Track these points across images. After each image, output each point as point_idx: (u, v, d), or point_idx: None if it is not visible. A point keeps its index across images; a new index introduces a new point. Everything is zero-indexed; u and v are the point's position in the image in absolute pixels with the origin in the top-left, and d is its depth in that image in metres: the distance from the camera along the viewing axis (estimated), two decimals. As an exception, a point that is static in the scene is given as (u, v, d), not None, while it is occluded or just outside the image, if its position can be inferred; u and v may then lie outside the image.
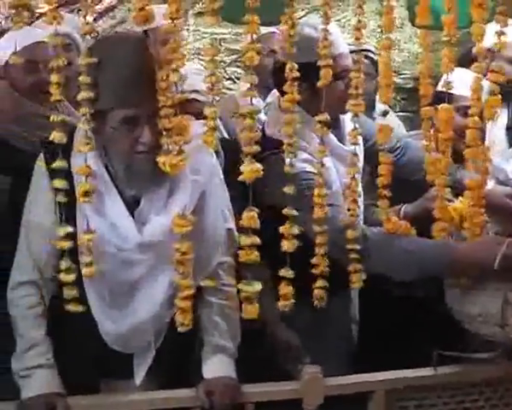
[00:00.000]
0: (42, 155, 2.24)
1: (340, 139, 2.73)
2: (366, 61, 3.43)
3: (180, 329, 2.16)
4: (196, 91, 2.66)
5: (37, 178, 2.25)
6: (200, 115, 2.25)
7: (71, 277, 2.15)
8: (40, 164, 2.24)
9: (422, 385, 2.51)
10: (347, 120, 2.70)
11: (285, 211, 2.25)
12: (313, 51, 2.34)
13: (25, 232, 2.26)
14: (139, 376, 2.31)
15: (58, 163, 2.13)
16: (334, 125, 2.65)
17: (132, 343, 2.29)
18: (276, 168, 2.31)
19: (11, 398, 2.22)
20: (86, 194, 2.12)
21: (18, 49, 2.72)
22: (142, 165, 2.16)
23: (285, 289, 2.30)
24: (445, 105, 2.51)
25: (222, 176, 2.38)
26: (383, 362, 2.49)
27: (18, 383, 2.21)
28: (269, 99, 2.74)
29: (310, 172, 2.48)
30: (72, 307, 2.17)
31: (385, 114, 3.81)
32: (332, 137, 2.64)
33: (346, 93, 2.48)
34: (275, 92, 2.68)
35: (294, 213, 2.25)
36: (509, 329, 2.40)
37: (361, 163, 2.69)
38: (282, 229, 2.24)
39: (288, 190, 2.23)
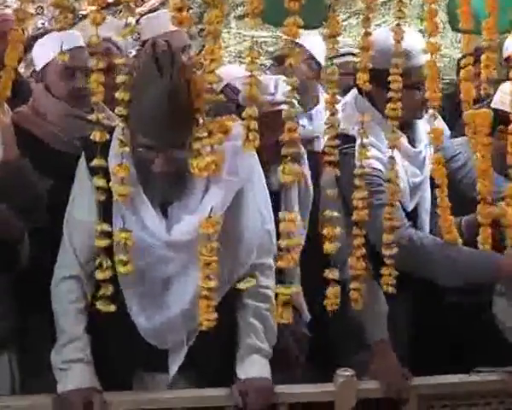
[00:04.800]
0: (83, 155, 2.29)
1: (411, 140, 2.77)
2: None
3: (202, 327, 2.17)
4: None
5: (79, 176, 2.30)
6: None
7: (106, 274, 2.18)
8: (82, 163, 2.29)
9: (456, 392, 2.51)
10: (421, 123, 2.78)
11: (325, 213, 2.28)
12: (387, 58, 2.47)
13: (67, 229, 2.30)
14: (172, 371, 2.33)
15: (97, 161, 2.17)
16: (407, 127, 2.71)
17: (165, 339, 2.31)
18: (346, 165, 2.40)
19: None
20: (122, 193, 2.15)
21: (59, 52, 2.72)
22: (156, 181, 2.19)
23: (332, 290, 2.30)
24: (482, 110, 2.51)
25: (262, 177, 2.40)
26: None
27: (56, 376, 2.26)
28: (347, 98, 2.77)
29: (377, 169, 2.53)
30: (105, 304, 2.20)
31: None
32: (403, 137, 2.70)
33: (422, 101, 2.60)
34: (354, 91, 2.73)
35: (335, 214, 2.28)
36: None
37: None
38: (324, 231, 2.27)
39: (331, 193, 2.29)
